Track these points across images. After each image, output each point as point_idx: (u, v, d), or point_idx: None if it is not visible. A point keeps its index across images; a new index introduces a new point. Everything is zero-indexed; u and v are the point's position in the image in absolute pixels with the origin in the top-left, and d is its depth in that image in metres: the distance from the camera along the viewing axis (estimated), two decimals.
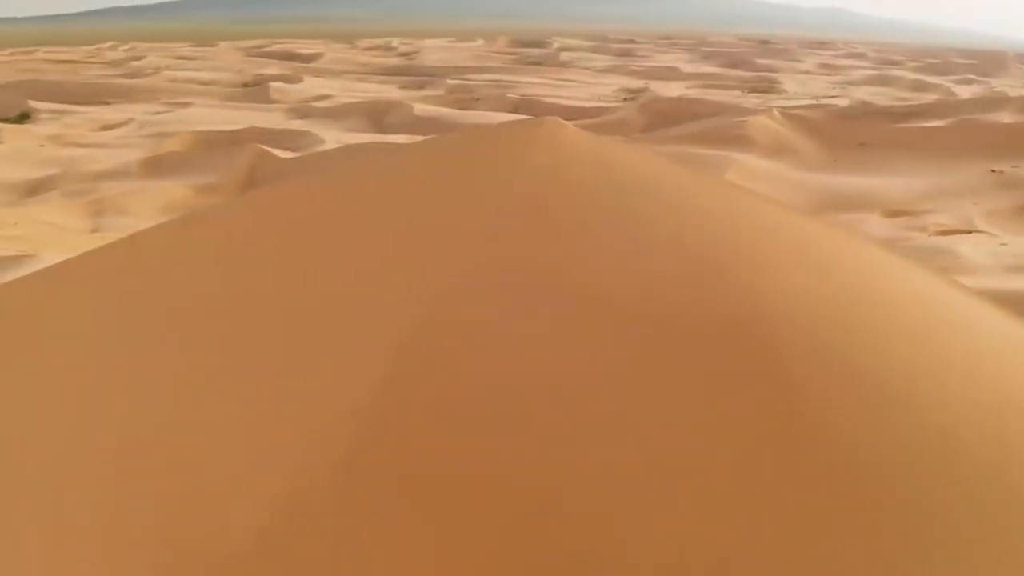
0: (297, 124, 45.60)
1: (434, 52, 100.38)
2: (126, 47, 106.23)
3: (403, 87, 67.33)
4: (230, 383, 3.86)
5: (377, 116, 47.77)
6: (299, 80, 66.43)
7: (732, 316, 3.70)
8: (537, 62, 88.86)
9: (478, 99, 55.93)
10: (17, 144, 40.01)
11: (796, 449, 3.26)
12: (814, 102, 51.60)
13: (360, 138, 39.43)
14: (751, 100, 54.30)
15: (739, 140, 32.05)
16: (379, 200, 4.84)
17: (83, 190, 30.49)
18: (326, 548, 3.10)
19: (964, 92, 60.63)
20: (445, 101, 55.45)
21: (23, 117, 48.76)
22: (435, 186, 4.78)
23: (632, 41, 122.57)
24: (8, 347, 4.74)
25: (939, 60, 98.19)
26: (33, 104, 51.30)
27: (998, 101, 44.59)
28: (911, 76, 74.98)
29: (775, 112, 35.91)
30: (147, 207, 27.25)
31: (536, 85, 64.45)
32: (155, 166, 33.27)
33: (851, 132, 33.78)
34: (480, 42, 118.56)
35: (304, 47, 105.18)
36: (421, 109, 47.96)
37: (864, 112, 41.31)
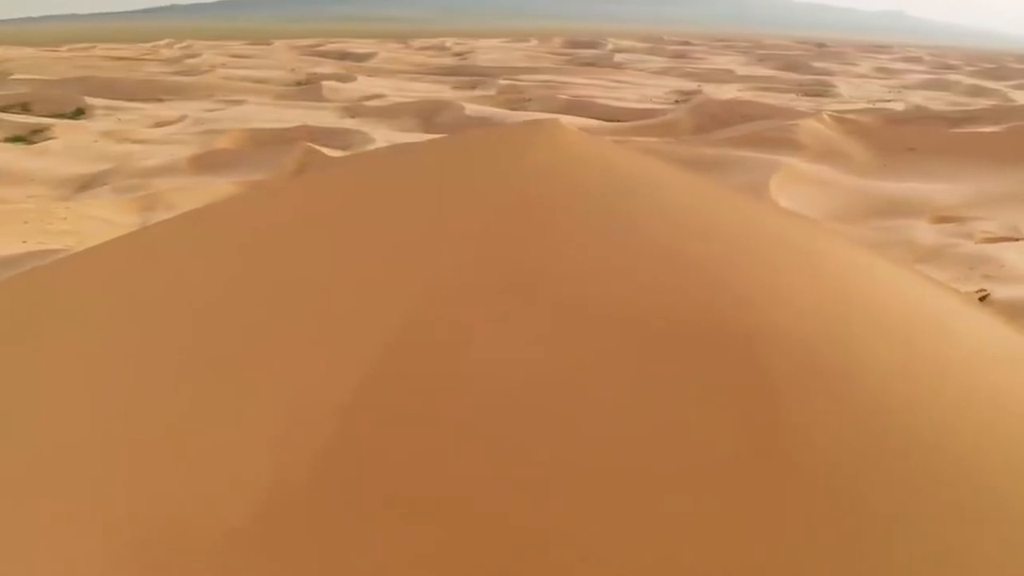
0: (348, 123, 45.81)
1: (487, 52, 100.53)
2: (182, 45, 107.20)
3: (455, 87, 67.40)
4: (218, 376, 3.91)
5: (428, 116, 47.91)
6: (352, 79, 66.72)
7: (719, 323, 3.70)
8: (590, 63, 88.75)
9: (529, 100, 55.90)
10: (71, 139, 40.49)
11: (773, 459, 3.25)
12: (868, 106, 51.22)
13: (410, 137, 39.54)
14: (804, 103, 53.88)
15: (787, 143, 31.81)
16: (374, 199, 4.87)
17: (133, 186, 30.80)
18: (304, 540, 3.14)
19: (1021, 98, 59.88)
20: (496, 101, 55.46)
21: (78, 113, 49.33)
22: (430, 186, 4.81)
23: (687, 43, 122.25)
24: (6, 338, 4.81)
25: (996, 65, 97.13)
26: (89, 100, 51.88)
27: None
28: (968, 81, 74.12)
29: (824, 115, 35.61)
30: (195, 203, 27.45)
31: (588, 86, 64.32)
32: (205, 163, 33.58)
33: (902, 137, 33.43)
34: (534, 43, 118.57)
35: (359, 46, 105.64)
36: (472, 109, 48.03)
37: (918, 116, 40.90)
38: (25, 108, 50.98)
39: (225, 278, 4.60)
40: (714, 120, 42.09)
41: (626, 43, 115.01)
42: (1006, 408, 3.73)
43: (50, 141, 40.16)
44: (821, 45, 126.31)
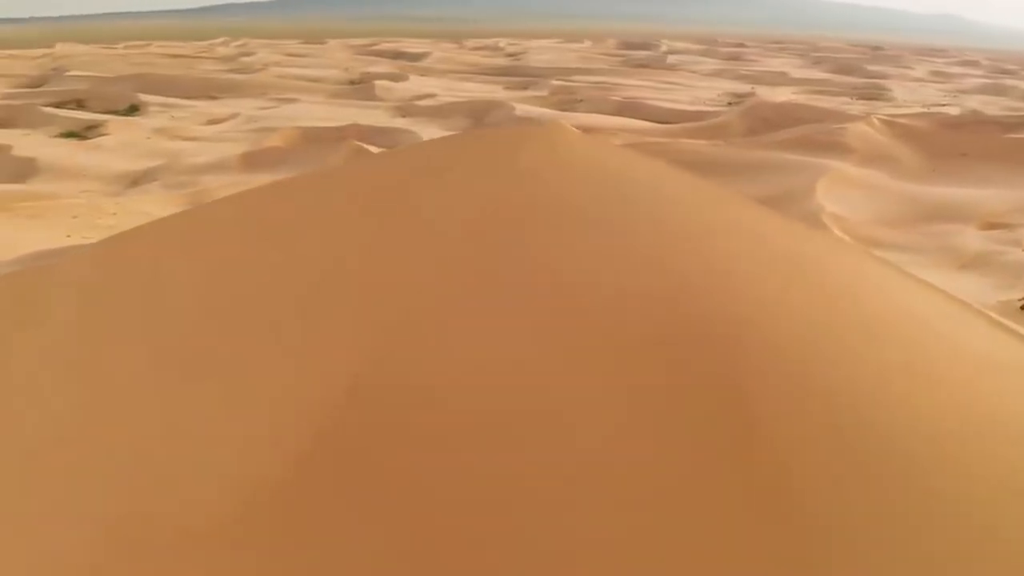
0: (399, 122, 45.95)
1: (541, 53, 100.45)
2: (238, 43, 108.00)
3: (508, 87, 67.39)
4: (203, 374, 3.96)
5: (478, 116, 47.95)
6: (405, 79, 66.93)
7: (694, 328, 3.69)
8: (643, 64, 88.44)
9: (581, 100, 55.81)
10: (124, 136, 40.94)
11: (736, 461, 3.24)
12: (923, 110, 50.70)
13: None
14: (858, 107, 53.42)
15: (836, 147, 31.55)
16: (368, 199, 4.89)
17: (183, 182, 31.08)
18: (280, 536, 3.18)
19: None
20: (548, 102, 55.43)
21: (132, 109, 49.80)
22: (421, 189, 4.83)
23: (741, 44, 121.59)
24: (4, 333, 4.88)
25: None
26: (143, 97, 52.37)
27: None
28: None
29: (874, 119, 35.29)
30: None
31: (640, 88, 64.10)
32: (254, 161, 33.80)
33: (954, 141, 33.07)
34: (588, 44, 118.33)
35: (413, 46, 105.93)
36: (522, 109, 48.01)
37: (972, 121, 40.39)
38: (80, 104, 51.57)
39: (214, 278, 4.65)
40: (766, 123, 41.82)
41: (680, 44, 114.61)
42: (995, 418, 3.69)
43: (103, 137, 40.65)
44: (876, 48, 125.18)
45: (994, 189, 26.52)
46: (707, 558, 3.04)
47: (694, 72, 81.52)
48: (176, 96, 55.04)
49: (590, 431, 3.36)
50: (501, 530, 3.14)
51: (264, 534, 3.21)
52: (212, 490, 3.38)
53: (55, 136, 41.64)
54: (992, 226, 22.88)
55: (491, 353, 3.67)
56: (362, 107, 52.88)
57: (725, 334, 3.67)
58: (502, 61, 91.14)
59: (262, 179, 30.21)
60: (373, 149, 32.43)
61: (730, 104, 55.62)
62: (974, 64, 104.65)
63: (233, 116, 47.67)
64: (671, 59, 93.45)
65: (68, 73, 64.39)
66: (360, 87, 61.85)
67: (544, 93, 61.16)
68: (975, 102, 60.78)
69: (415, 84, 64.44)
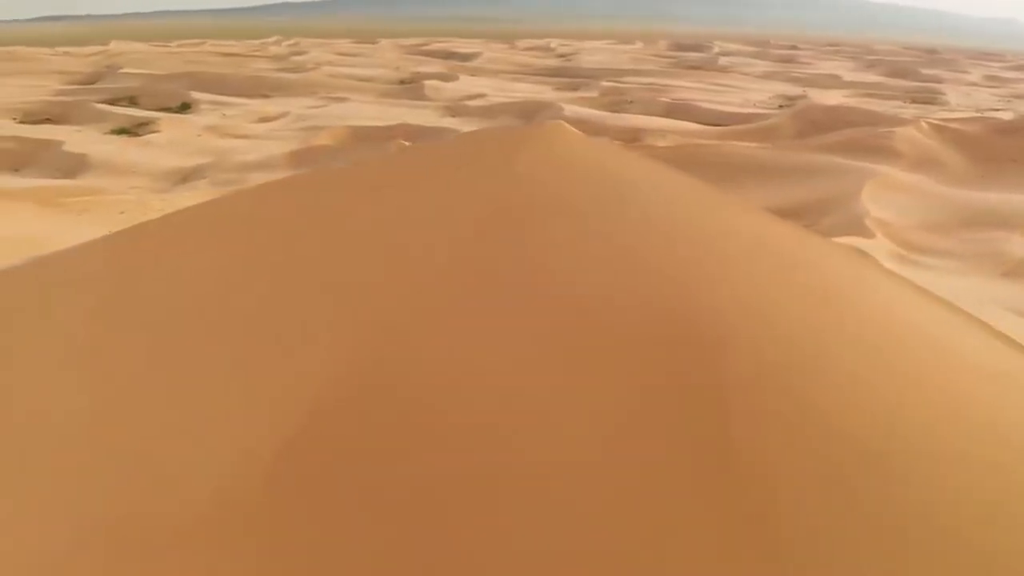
0: (448, 122, 46.05)
1: (592, 54, 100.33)
2: (290, 42, 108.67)
3: (558, 88, 67.32)
4: (202, 370, 4.01)
5: (527, 116, 47.94)
6: (455, 79, 67.05)
7: (680, 332, 3.70)
8: (695, 66, 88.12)
9: (631, 102, 55.71)
10: (175, 133, 41.31)
11: (709, 465, 3.25)
12: (977, 115, 50.18)
13: None
14: (911, 111, 52.98)
15: (884, 151, 31.31)
16: (369, 199, 4.93)
17: (231, 180, 31.30)
18: (260, 531, 3.22)
19: None
20: (597, 103, 55.37)
21: (184, 107, 50.24)
22: (414, 191, 4.86)
23: (795, 47, 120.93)
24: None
25: None
26: (195, 95, 52.82)
27: None
28: None
29: (923, 123, 34.98)
30: None
31: (691, 89, 63.94)
32: (302, 159, 34.02)
33: (1004, 147, 32.70)
34: (640, 45, 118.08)
35: (464, 46, 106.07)
36: (571, 110, 47.91)
37: None
38: (133, 101, 52.10)
39: (214, 275, 4.70)
40: (816, 126, 41.57)
41: (733, 46, 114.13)
42: (992, 429, 3.66)
43: (154, 134, 41.02)
44: (931, 51, 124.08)
45: None
46: (679, 564, 3.05)
47: (746, 74, 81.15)
48: (228, 94, 55.48)
49: (567, 434, 3.38)
50: (485, 528, 3.17)
51: (249, 533, 3.25)
52: (199, 488, 3.42)
53: (107, 133, 42.08)
54: None
55: (480, 354, 3.70)
56: (411, 107, 53.07)
57: (709, 337, 3.68)
58: (553, 62, 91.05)
59: None
60: None
61: (781, 107, 55.34)
62: None
63: (283, 115, 47.99)
64: (723, 61, 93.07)
65: (122, 70, 65.04)
66: (410, 87, 62.04)
67: (594, 94, 61.07)
68: None
69: (465, 84, 64.55)
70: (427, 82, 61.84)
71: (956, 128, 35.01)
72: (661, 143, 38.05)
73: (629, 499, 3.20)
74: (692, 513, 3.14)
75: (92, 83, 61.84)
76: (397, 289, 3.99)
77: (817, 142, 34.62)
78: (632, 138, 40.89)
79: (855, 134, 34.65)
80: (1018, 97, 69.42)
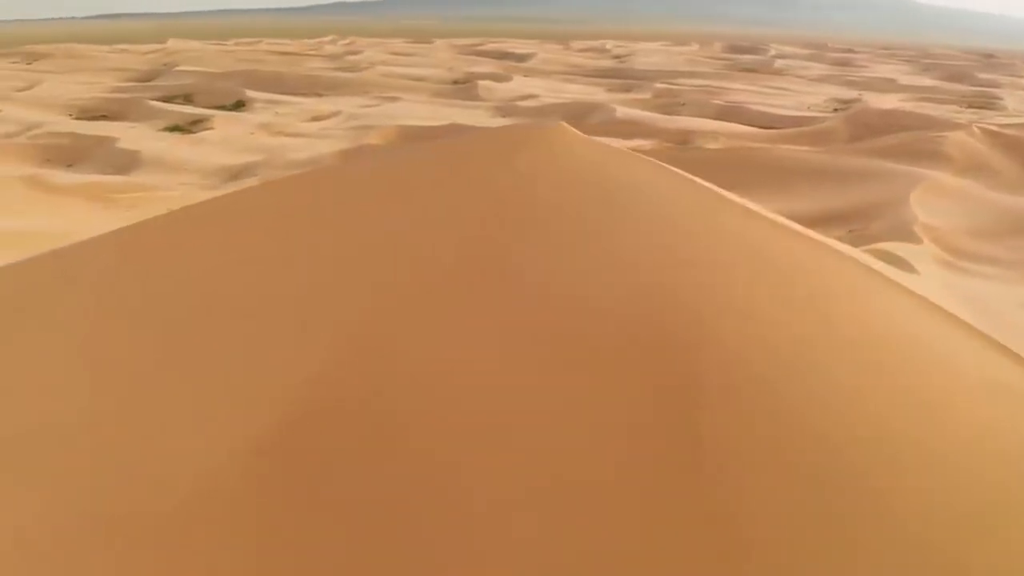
0: (499, 122, 46.06)
1: (647, 55, 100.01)
2: (345, 41, 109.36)
3: (610, 89, 67.14)
4: (189, 365, 4.05)
5: (579, 117, 47.81)
6: (508, 79, 67.10)
7: (660, 337, 3.69)
8: (750, 68, 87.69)
9: (683, 104, 55.48)
10: (227, 131, 41.66)
11: (680, 470, 3.24)
12: None
13: None
14: (967, 116, 52.37)
15: (934, 156, 30.92)
16: (357, 200, 4.94)
17: (280, 177, 31.43)
18: (236, 523, 3.26)
19: None
20: (650, 105, 55.19)
21: (238, 105, 50.62)
22: (419, 189, 4.88)
23: (851, 50, 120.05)
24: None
25: None
26: (249, 93, 53.20)
27: None
28: None
29: (975, 128, 34.56)
30: None
31: (744, 92, 63.64)
32: (349, 157, 34.09)
33: None
34: (695, 47, 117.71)
35: (519, 47, 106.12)
36: (622, 112, 47.83)
37: None
38: (188, 99, 52.57)
39: (199, 275, 4.75)
40: (869, 130, 41.19)
41: (788, 49, 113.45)
42: (974, 441, 3.61)
43: (207, 132, 41.37)
44: (989, 56, 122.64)
45: None
46: (639, 562, 3.04)
47: (801, 77, 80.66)
48: (282, 93, 55.81)
49: (538, 435, 3.39)
50: (454, 522, 3.19)
51: (229, 523, 3.30)
52: (182, 480, 3.47)
53: (161, 130, 42.48)
54: None
55: (459, 355, 3.73)
56: (463, 107, 53.20)
57: (688, 341, 3.66)
58: (607, 63, 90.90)
59: None
60: None
61: (835, 110, 54.93)
62: None
63: (335, 113, 48.25)
64: (778, 63, 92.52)
65: (178, 68, 65.69)
66: (463, 87, 62.18)
67: (646, 95, 60.88)
68: None
69: (518, 85, 64.59)
70: (480, 82, 61.92)
71: (1009, 134, 34.56)
72: (712, 145, 37.92)
73: (594, 499, 3.20)
74: (656, 513, 3.14)
75: (148, 81, 62.49)
76: (384, 290, 4.02)
77: (868, 146, 34.30)
78: (683, 140, 40.78)
79: (906, 138, 34.32)
80: None
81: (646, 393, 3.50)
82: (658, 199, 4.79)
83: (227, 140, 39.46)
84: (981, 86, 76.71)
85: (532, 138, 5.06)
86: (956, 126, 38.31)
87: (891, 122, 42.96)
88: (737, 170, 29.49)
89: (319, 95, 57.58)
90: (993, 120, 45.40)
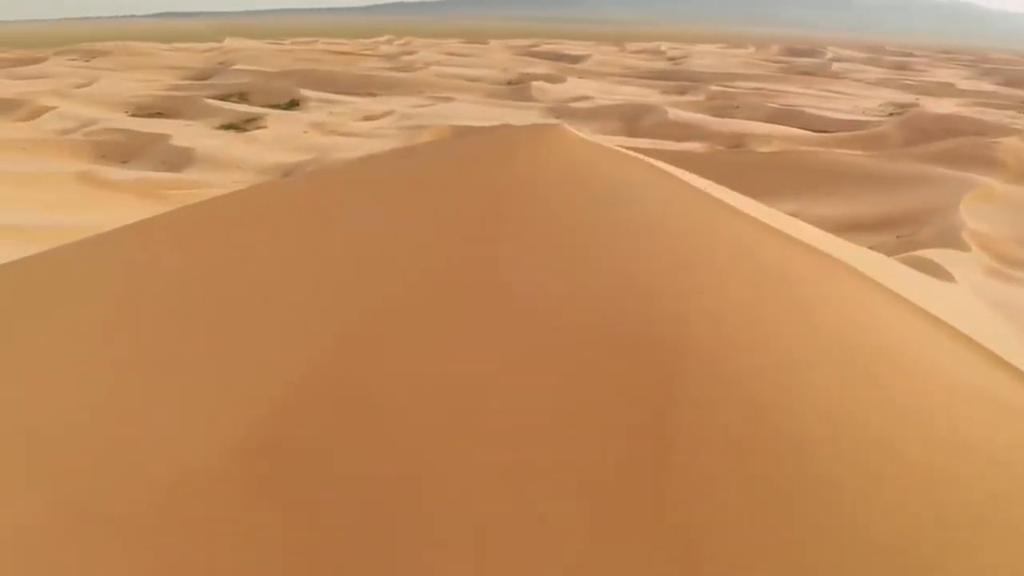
0: (551, 123, 45.95)
1: (702, 57, 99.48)
2: (401, 41, 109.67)
3: (664, 91, 66.85)
4: (170, 361, 4.16)
5: (631, 119, 47.78)
6: (562, 80, 66.98)
7: (636, 341, 3.72)
8: (807, 72, 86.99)
9: (737, 107, 55.19)
10: (281, 130, 41.95)
11: (645, 483, 3.26)
12: None
13: (607, 141, 39.46)
14: None
15: (988, 161, 30.59)
16: (354, 201, 5.01)
17: None
18: (216, 512, 3.35)
19: None
20: (703, 107, 54.95)
21: (292, 104, 50.94)
22: (409, 191, 4.94)
23: (909, 54, 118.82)
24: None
25: None
26: (304, 92, 53.52)
27: None
28: None
29: None
30: None
31: (800, 95, 63.14)
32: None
33: None
34: (752, 49, 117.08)
35: (574, 48, 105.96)
36: (675, 114, 47.66)
37: None
38: (243, 98, 53.00)
39: (192, 274, 4.83)
40: (924, 135, 40.77)
41: (846, 52, 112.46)
42: (956, 451, 3.60)
43: (260, 130, 41.67)
44: None
45: None
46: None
47: (858, 81, 79.88)
48: (336, 92, 56.08)
49: (511, 442, 3.44)
50: (417, 528, 3.24)
51: (209, 513, 3.38)
52: (166, 471, 3.55)
53: (215, 128, 42.86)
54: None
55: (439, 359, 3.79)
56: (516, 108, 53.20)
57: (667, 348, 3.69)
58: (662, 65, 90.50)
59: None
60: None
61: (891, 114, 54.42)
62: None
63: (388, 113, 48.42)
64: (835, 67, 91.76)
65: (234, 67, 66.18)
66: (516, 88, 62.18)
67: (700, 98, 60.62)
68: None
69: (571, 86, 64.47)
70: (534, 83, 61.85)
71: None
72: (764, 148, 37.72)
73: (561, 509, 3.23)
74: (615, 523, 3.16)
75: (204, 79, 63.06)
76: (371, 292, 4.09)
77: (920, 151, 34.01)
78: (735, 143, 40.59)
79: (959, 144, 33.97)
80: None
81: (617, 398, 3.53)
82: (652, 203, 4.81)
83: (279, 139, 39.75)
84: None
85: (531, 140, 5.10)
86: (1011, 131, 37.91)
87: (946, 127, 42.51)
88: (786, 173, 29.46)
89: (373, 95, 57.80)
90: None
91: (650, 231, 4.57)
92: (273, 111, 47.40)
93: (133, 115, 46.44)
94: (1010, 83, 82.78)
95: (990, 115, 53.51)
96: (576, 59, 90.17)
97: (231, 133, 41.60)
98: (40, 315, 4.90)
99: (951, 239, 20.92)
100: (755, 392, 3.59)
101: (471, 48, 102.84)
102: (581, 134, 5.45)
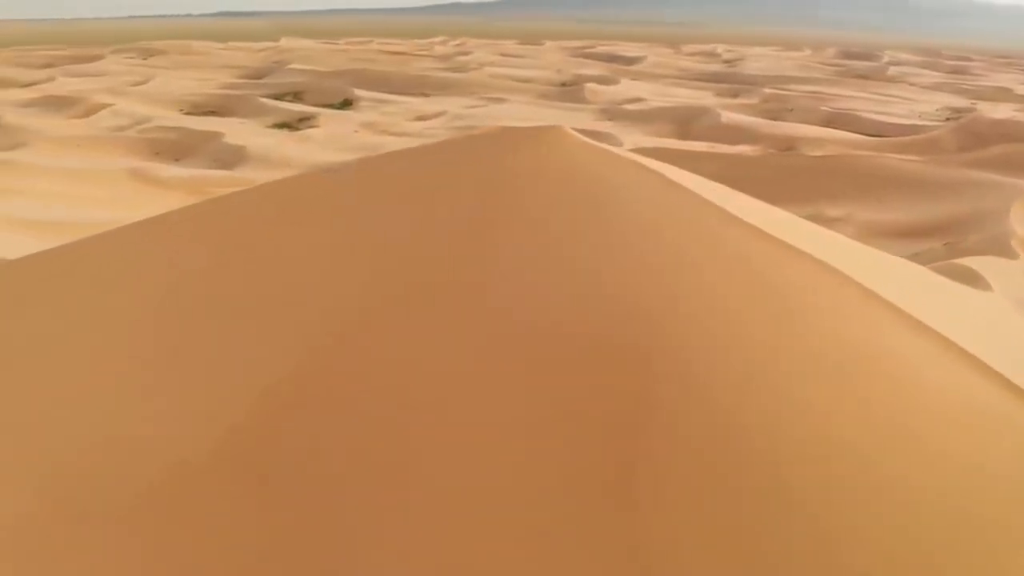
0: (603, 125, 45.98)
1: (757, 60, 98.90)
2: (456, 42, 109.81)
3: (718, 94, 66.60)
4: (160, 356, 4.25)
5: (684, 121, 47.65)
6: (615, 82, 66.81)
7: (610, 349, 3.74)
8: (863, 75, 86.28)
9: (791, 110, 54.89)
10: (333, 129, 42.23)
11: (606, 499, 3.29)
12: None
13: (659, 143, 39.40)
14: None
15: None
16: (348, 201, 5.08)
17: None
18: (202, 501, 3.43)
19: None
20: (756, 110, 54.69)
21: (345, 104, 51.21)
22: (405, 191, 4.99)
23: (967, 58, 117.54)
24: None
25: None
26: (357, 92, 53.78)
27: None
28: None
29: None
30: None
31: (855, 99, 62.67)
32: None
33: None
34: (807, 52, 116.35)
35: (629, 49, 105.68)
36: (728, 117, 47.47)
37: None
38: (297, 97, 53.37)
39: (186, 273, 4.92)
40: (979, 140, 40.38)
41: (903, 56, 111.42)
42: (941, 470, 3.58)
43: (313, 129, 41.94)
44: None
45: None
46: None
47: (914, 85, 79.17)
48: (389, 92, 56.31)
49: (475, 451, 3.48)
50: (388, 530, 3.30)
51: (195, 502, 3.46)
52: (153, 461, 3.64)
53: (268, 127, 43.18)
54: None
55: (414, 361, 3.84)
56: (568, 109, 53.20)
57: (641, 354, 3.71)
58: (717, 67, 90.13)
59: None
60: None
61: (948, 119, 53.91)
62: None
63: (440, 113, 48.61)
64: (892, 71, 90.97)
65: (289, 66, 66.59)
66: (569, 89, 62.17)
67: (754, 101, 60.34)
68: None
69: (625, 88, 64.31)
70: (587, 85, 61.79)
71: None
72: (816, 152, 37.50)
73: (527, 515, 3.26)
74: (575, 537, 3.19)
75: (259, 78, 63.54)
76: (355, 293, 4.16)
77: (973, 157, 33.68)
78: (788, 146, 40.43)
79: (1012, 149, 33.62)
80: None
81: (590, 403, 3.56)
82: (643, 206, 4.81)
83: (331, 138, 40.02)
84: None
85: (530, 142, 5.13)
86: None
87: (1001, 132, 42.03)
88: (836, 177, 29.32)
89: (426, 95, 57.98)
90: None
91: (642, 235, 4.58)
92: (326, 110, 47.71)
93: (188, 113, 46.88)
94: None
95: None
96: (631, 60, 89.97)
97: (284, 132, 41.95)
98: (25, 313, 5.02)
99: (999, 246, 20.70)
100: (728, 401, 3.60)
101: (525, 49, 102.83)
102: (583, 137, 5.44)
